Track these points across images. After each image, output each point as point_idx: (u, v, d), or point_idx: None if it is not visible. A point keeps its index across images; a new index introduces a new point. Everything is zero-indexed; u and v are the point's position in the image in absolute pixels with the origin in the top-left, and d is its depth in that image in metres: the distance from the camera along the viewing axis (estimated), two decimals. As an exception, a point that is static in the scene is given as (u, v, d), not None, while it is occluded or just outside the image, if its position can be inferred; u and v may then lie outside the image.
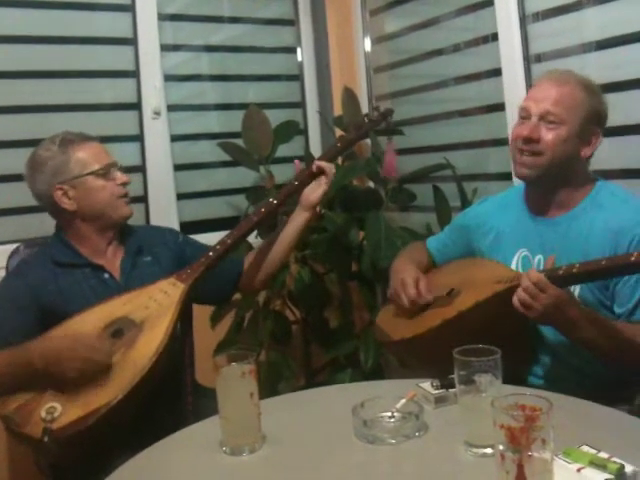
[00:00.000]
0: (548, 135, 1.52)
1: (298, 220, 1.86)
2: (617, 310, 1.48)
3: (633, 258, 1.29)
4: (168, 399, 1.65)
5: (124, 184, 1.71)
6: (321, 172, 1.83)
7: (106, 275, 1.69)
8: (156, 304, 1.58)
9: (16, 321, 1.56)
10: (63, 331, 1.51)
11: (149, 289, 1.62)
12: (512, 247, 1.65)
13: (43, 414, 1.38)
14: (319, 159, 1.88)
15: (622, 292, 1.47)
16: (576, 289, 1.50)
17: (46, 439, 1.35)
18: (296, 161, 2.57)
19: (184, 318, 1.69)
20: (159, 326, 1.53)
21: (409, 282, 1.68)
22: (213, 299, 2.00)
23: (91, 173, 1.65)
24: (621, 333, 1.41)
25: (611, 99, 2.00)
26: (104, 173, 1.67)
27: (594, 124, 1.56)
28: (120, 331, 1.53)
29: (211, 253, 1.71)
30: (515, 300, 1.39)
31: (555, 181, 1.57)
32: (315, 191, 1.83)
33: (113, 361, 1.46)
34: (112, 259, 1.72)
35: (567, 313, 1.37)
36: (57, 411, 1.39)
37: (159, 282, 1.64)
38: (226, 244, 1.73)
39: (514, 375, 1.14)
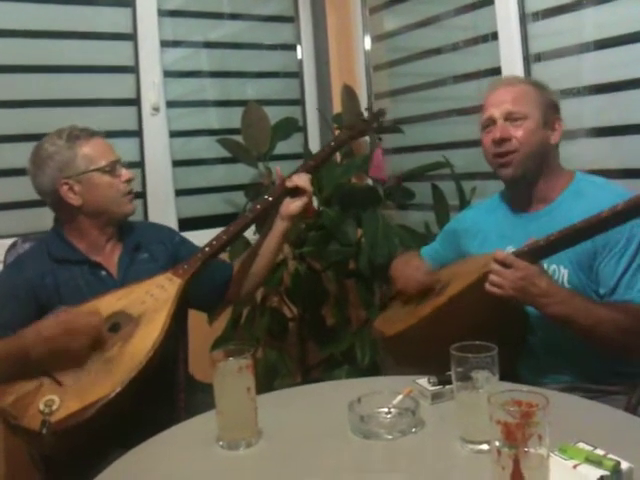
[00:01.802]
0: (518, 132, 1.60)
1: (276, 231, 1.85)
2: (601, 291, 1.50)
3: (604, 214, 1.32)
4: (161, 394, 1.64)
5: (129, 181, 1.72)
6: (299, 189, 1.80)
7: (103, 272, 1.69)
8: (153, 299, 1.58)
9: (13, 313, 1.56)
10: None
11: (145, 284, 1.62)
12: (499, 245, 1.66)
13: (41, 407, 1.38)
14: (313, 157, 1.88)
15: (604, 272, 1.49)
16: (564, 275, 1.53)
17: (44, 431, 1.35)
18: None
19: (179, 314, 1.69)
20: (156, 320, 1.54)
21: (413, 267, 1.76)
22: (202, 304, 1.96)
23: (97, 169, 1.65)
24: (603, 305, 1.44)
25: (610, 99, 2.02)
26: (110, 170, 1.67)
27: (553, 111, 1.65)
28: (117, 325, 1.53)
29: (207, 249, 1.70)
30: (486, 284, 1.42)
31: (535, 173, 1.62)
32: (294, 202, 1.81)
33: (111, 355, 1.47)
34: (110, 255, 1.72)
35: (538, 285, 1.40)
36: (55, 404, 1.39)
37: (155, 277, 1.64)
38: (222, 240, 1.73)
39: (505, 365, 1.15)
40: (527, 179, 1.62)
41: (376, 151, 2.57)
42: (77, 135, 1.66)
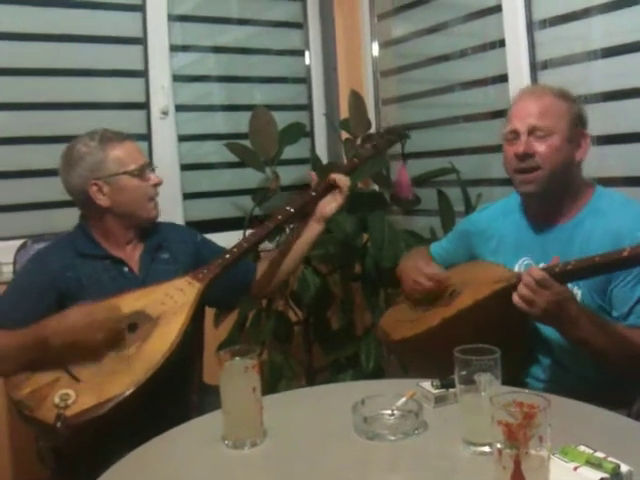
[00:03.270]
0: (541, 147, 1.55)
1: (310, 232, 1.88)
2: (614, 314, 1.50)
3: (625, 253, 1.31)
4: (174, 394, 1.66)
5: (156, 185, 1.74)
6: (336, 186, 1.84)
7: (125, 269, 1.72)
8: (172, 301, 1.60)
9: (33, 305, 1.59)
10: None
11: (165, 286, 1.64)
12: (514, 255, 1.67)
13: (57, 400, 1.40)
14: (335, 173, 1.90)
15: (618, 296, 1.48)
16: (578, 295, 1.52)
17: (59, 425, 1.37)
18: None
19: (196, 317, 1.71)
20: (174, 323, 1.56)
21: (422, 264, 1.74)
22: (223, 303, 2.01)
23: (127, 172, 1.68)
24: (619, 335, 1.43)
25: (617, 107, 2.03)
26: (139, 173, 1.70)
27: (580, 127, 1.60)
28: (135, 325, 1.56)
29: (228, 255, 1.73)
30: (515, 296, 1.40)
31: (556, 191, 1.59)
32: (329, 204, 1.85)
33: (128, 353, 1.49)
34: (131, 253, 1.75)
35: (568, 310, 1.38)
36: (71, 398, 1.41)
37: (176, 280, 1.66)
38: (242, 247, 1.75)
39: (511, 377, 1.16)
40: (548, 196, 1.59)
41: (401, 170, 2.58)
42: (109, 138, 1.69)
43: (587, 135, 1.61)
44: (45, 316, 1.53)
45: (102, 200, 1.68)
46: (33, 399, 1.43)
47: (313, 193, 1.86)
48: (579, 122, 1.60)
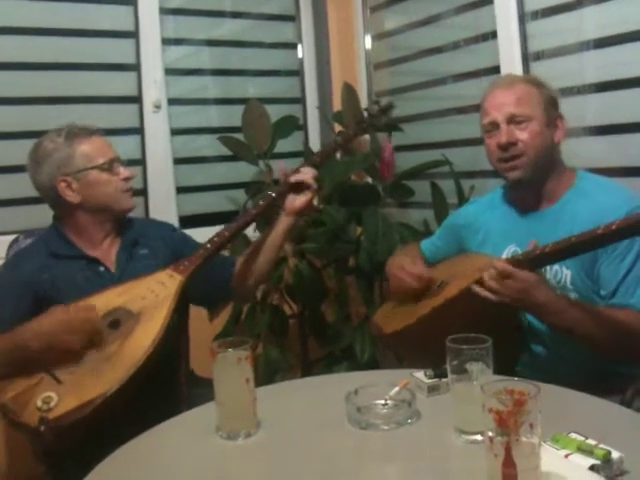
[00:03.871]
0: (523, 134, 1.57)
1: (281, 226, 1.83)
2: (602, 293, 1.51)
3: (600, 231, 1.32)
4: (162, 388, 1.65)
5: (127, 179, 1.72)
6: (303, 183, 1.78)
7: (101, 268, 1.69)
8: (153, 295, 1.58)
9: (10, 311, 1.58)
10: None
11: (146, 280, 1.62)
12: (501, 244, 1.68)
13: (39, 403, 1.39)
14: (319, 152, 1.87)
15: (605, 275, 1.50)
16: (567, 276, 1.53)
17: (42, 428, 1.36)
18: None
19: (180, 310, 1.70)
20: (156, 317, 1.54)
21: (408, 262, 1.74)
22: (205, 300, 1.96)
23: (95, 167, 1.66)
24: (604, 316, 1.43)
25: (610, 97, 2.04)
26: (108, 167, 1.68)
27: (554, 109, 1.63)
28: (117, 322, 1.54)
29: (209, 245, 1.70)
30: (482, 290, 1.44)
31: (542, 175, 1.61)
32: (299, 199, 1.80)
33: (110, 352, 1.48)
34: (108, 251, 1.73)
35: (537, 297, 1.41)
36: (53, 400, 1.40)
37: (156, 273, 1.64)
38: (224, 236, 1.72)
39: (501, 364, 1.16)
40: (534, 181, 1.61)
41: (386, 147, 2.58)
42: (76, 133, 1.67)
43: (562, 116, 1.64)
44: (24, 320, 1.51)
45: (72, 196, 1.65)
46: (17, 403, 1.42)
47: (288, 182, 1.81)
48: (552, 104, 1.63)
